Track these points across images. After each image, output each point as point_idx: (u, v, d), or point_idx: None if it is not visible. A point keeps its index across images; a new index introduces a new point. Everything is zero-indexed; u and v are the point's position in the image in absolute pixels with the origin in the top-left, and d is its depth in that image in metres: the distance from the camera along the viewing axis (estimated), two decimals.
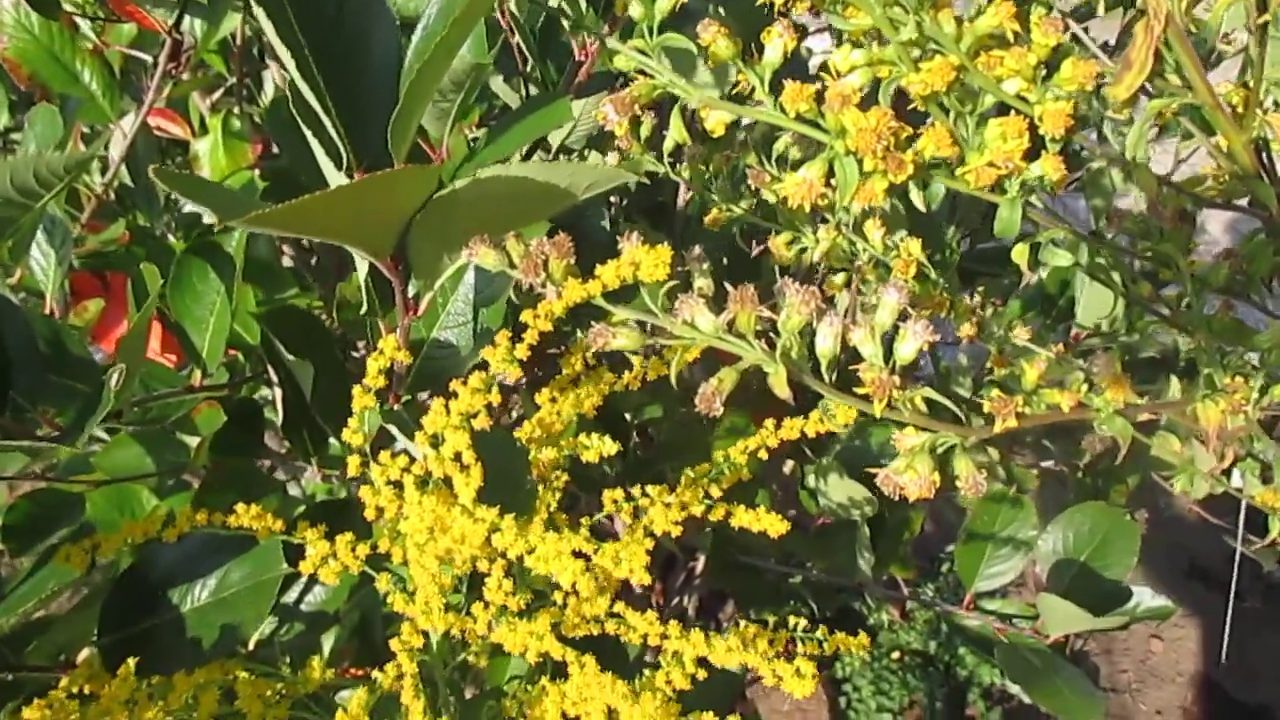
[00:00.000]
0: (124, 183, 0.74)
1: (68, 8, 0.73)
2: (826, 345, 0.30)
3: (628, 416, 0.77)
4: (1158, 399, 0.39)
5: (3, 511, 0.50)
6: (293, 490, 0.69)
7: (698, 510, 0.39)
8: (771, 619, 0.42)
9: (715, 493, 0.41)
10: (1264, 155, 0.35)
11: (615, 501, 0.39)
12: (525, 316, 0.31)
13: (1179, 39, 0.31)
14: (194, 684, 0.33)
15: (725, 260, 0.81)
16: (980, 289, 0.70)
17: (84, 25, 0.74)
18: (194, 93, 0.75)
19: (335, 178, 0.32)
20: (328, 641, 0.64)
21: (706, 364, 0.42)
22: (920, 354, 0.30)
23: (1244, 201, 0.37)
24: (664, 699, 0.34)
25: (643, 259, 0.29)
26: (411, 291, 0.37)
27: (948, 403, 0.30)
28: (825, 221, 0.46)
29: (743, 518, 0.38)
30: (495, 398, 0.32)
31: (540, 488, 0.38)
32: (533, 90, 0.60)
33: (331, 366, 0.47)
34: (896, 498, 0.31)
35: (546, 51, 0.52)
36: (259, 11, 0.29)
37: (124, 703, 0.32)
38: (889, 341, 0.31)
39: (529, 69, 0.58)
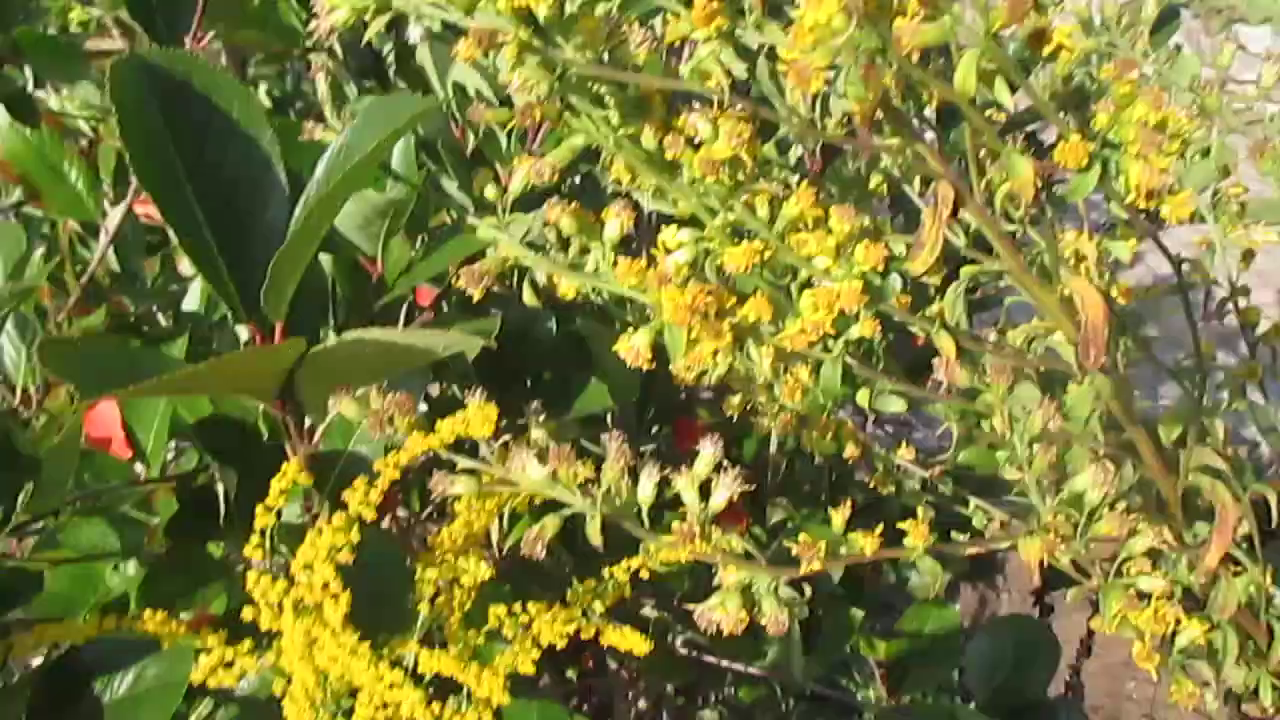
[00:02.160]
0: (111, 269, 0.79)
1: (70, 109, 0.79)
2: (646, 493, 0.33)
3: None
4: None
5: None
6: None
7: (573, 628, 0.42)
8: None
9: (598, 608, 0.43)
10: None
11: (499, 617, 0.42)
12: (378, 465, 0.34)
13: (978, 214, 0.34)
14: None
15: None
16: None
17: (83, 124, 0.80)
18: None
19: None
20: None
21: None
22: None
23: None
24: None
25: (473, 416, 0.32)
26: (309, 423, 0.40)
27: (754, 550, 0.32)
28: None
29: (611, 636, 0.41)
30: (355, 537, 0.35)
31: (422, 605, 0.41)
32: None
33: (263, 474, 0.50)
34: (712, 633, 0.33)
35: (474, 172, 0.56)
36: (151, 195, 0.33)
37: None
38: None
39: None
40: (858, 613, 0.71)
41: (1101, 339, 0.34)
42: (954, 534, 0.37)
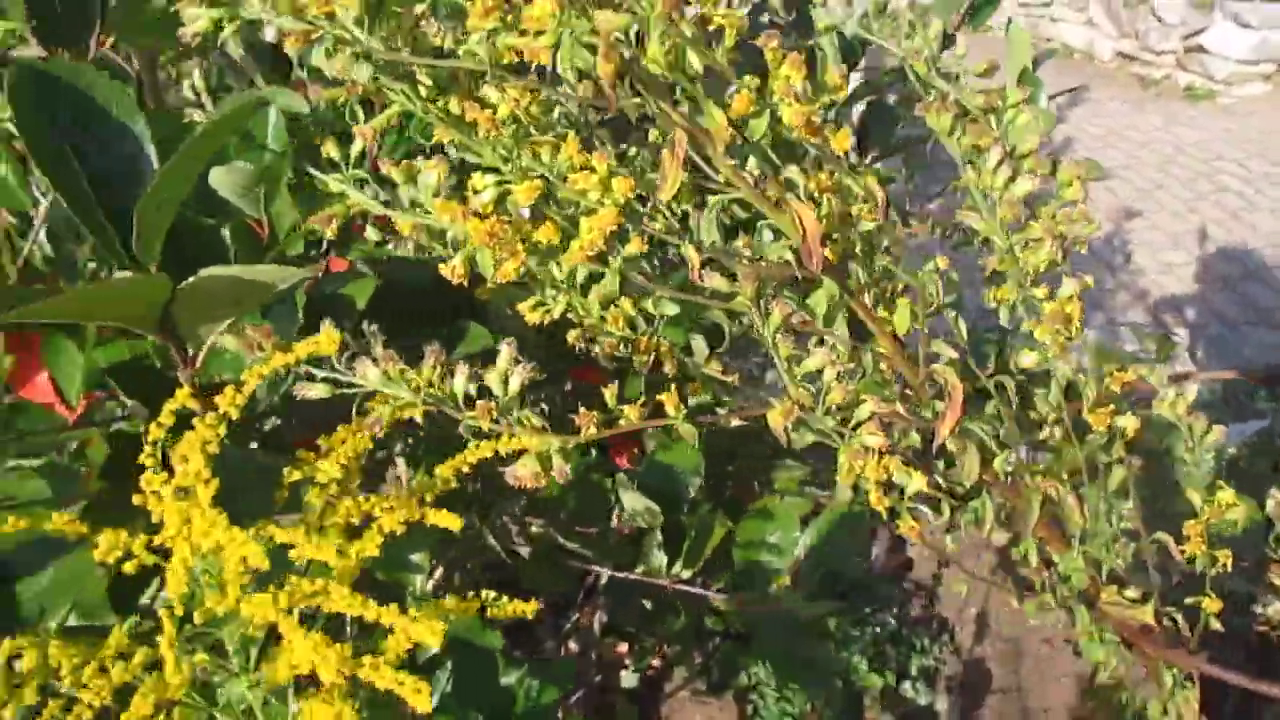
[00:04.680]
0: (46, 254, 0.86)
1: None
2: (459, 385, 0.42)
3: None
4: None
5: None
6: None
7: (409, 515, 0.50)
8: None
9: (429, 498, 0.52)
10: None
11: (348, 509, 0.51)
12: (244, 375, 0.43)
13: (715, 155, 0.43)
14: (16, 645, 0.44)
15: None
16: None
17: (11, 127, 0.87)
18: None
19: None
20: None
21: None
22: None
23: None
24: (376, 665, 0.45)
25: (322, 338, 0.41)
26: (192, 351, 0.49)
27: (539, 421, 0.42)
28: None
29: (431, 516, 0.49)
30: (221, 430, 0.44)
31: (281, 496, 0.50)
32: None
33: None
34: (519, 487, 0.43)
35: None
36: (45, 175, 0.41)
37: None
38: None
39: None
40: (721, 525, 0.80)
41: (818, 248, 0.44)
42: (719, 409, 0.46)
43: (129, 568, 0.50)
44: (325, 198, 0.62)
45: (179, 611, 0.45)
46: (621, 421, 0.44)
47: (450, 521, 0.48)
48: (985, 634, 1.62)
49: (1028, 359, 0.48)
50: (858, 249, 0.50)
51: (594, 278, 0.50)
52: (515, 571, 0.92)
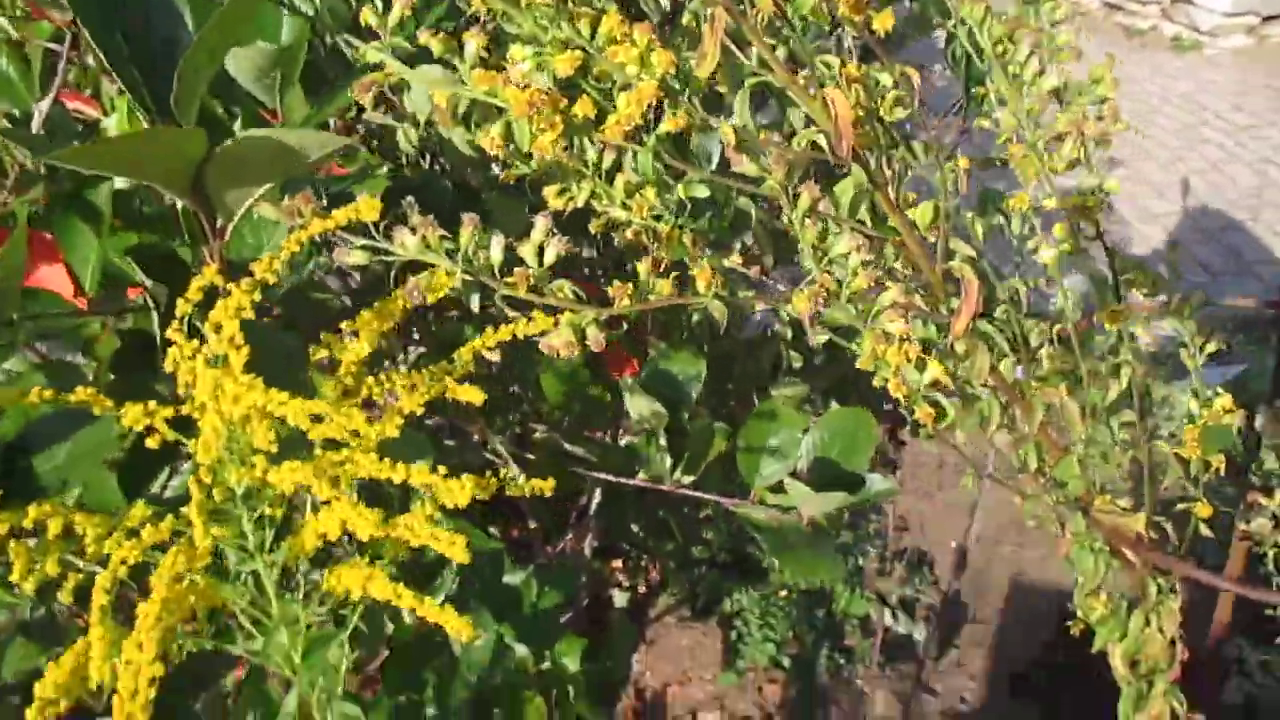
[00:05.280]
0: None
1: None
2: (496, 255, 0.43)
3: None
4: None
5: None
6: None
7: (435, 390, 0.50)
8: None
9: (449, 381, 0.52)
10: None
11: (369, 387, 0.51)
12: (282, 242, 0.43)
13: (755, 34, 0.43)
14: (41, 511, 0.44)
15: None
16: None
17: (5, 23, 0.86)
18: (104, 77, 0.86)
19: None
20: None
21: None
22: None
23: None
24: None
25: (362, 205, 0.41)
26: (220, 222, 0.49)
27: (575, 290, 0.42)
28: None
29: (457, 391, 0.50)
30: (256, 297, 0.44)
31: (316, 375, 0.50)
32: None
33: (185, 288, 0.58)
34: (554, 356, 0.43)
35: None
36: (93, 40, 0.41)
37: None
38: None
39: None
40: (721, 432, 0.81)
41: (849, 133, 0.44)
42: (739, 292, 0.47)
43: (152, 442, 0.51)
44: (334, 93, 0.62)
45: (206, 480, 0.46)
46: (652, 296, 0.45)
47: (473, 395, 0.48)
48: (962, 566, 1.65)
49: (1047, 254, 0.49)
50: (882, 141, 0.50)
51: (619, 164, 0.50)
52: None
